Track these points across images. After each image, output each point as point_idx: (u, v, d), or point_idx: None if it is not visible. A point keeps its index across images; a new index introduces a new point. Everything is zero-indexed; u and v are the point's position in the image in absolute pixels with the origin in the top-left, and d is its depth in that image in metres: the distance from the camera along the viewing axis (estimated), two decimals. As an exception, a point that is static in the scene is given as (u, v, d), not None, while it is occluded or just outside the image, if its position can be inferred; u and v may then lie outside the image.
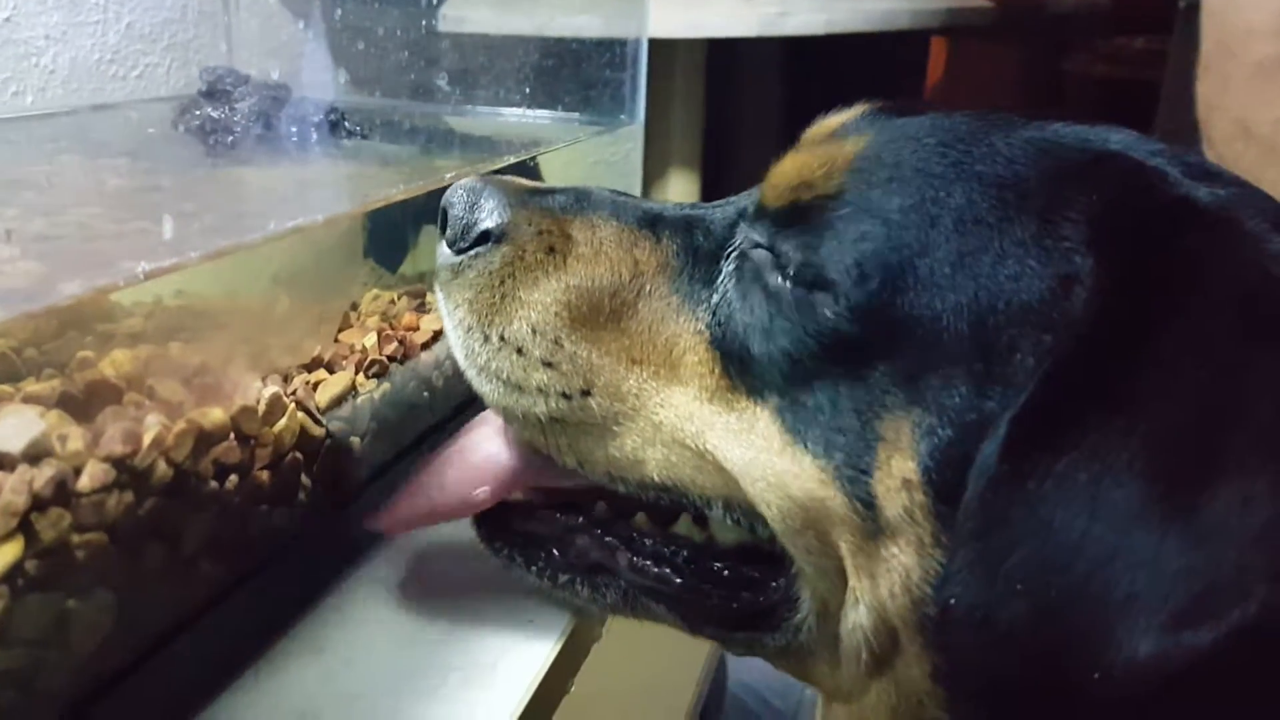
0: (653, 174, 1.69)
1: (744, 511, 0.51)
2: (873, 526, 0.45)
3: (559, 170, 0.95)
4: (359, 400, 0.62)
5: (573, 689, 0.60)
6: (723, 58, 1.75)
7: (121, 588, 0.47)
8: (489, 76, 1.11)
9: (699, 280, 0.53)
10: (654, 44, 1.60)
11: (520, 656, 0.57)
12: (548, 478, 0.57)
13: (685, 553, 0.55)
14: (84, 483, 0.45)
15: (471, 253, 0.55)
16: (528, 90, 1.04)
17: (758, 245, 0.51)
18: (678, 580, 0.55)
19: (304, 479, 0.59)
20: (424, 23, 1.17)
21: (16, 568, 0.42)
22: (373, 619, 0.59)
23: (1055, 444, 0.39)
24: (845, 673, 0.49)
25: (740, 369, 0.49)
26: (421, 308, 0.70)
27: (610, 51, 1.01)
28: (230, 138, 0.86)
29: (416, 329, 0.68)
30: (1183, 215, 0.43)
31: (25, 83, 1.08)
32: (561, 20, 1.26)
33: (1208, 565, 0.34)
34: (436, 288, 0.57)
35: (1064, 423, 0.39)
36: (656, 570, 0.55)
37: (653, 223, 0.56)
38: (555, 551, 0.57)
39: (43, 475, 0.43)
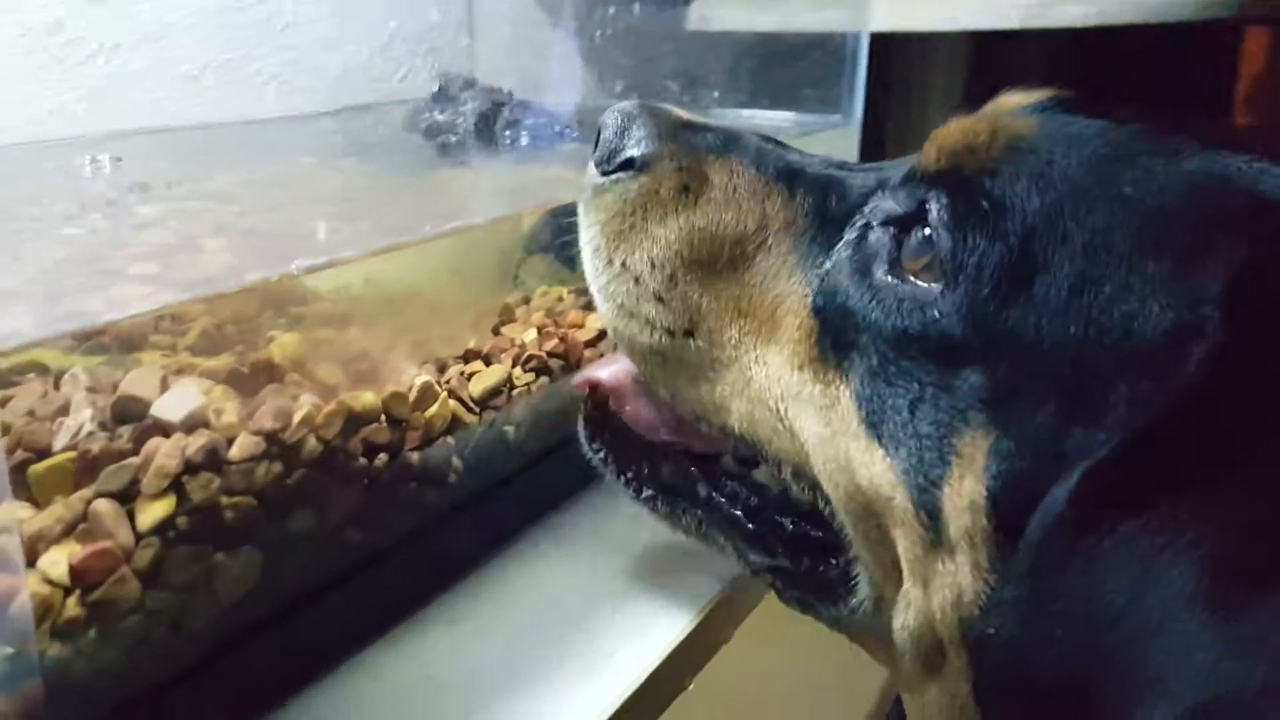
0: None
1: (810, 483, 0.51)
2: (933, 538, 0.43)
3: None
4: (515, 392, 0.66)
5: (691, 686, 0.61)
6: (993, 54, 1.68)
7: (268, 547, 0.53)
8: (712, 75, 1.13)
9: (819, 244, 0.52)
10: (907, 39, 1.58)
11: (637, 650, 0.59)
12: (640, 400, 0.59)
13: (755, 500, 0.56)
14: (234, 452, 0.51)
15: (613, 177, 0.56)
16: (747, 90, 1.06)
17: (886, 220, 0.49)
18: (748, 525, 0.55)
19: (455, 461, 0.63)
20: (658, 24, 1.21)
21: (168, 522, 0.48)
22: (509, 598, 0.63)
23: (1126, 504, 0.36)
24: (901, 667, 0.48)
25: (834, 343, 0.49)
26: (589, 306, 0.74)
27: (824, 50, 1.00)
28: (453, 138, 0.93)
29: (581, 326, 0.71)
30: None
31: (296, 83, 1.21)
32: (803, 16, 1.27)
33: (1234, 674, 0.32)
34: (580, 205, 0.58)
35: (1140, 486, 0.36)
36: (729, 510, 0.56)
37: (791, 177, 0.55)
38: (645, 468, 0.59)
39: (195, 443, 0.49)
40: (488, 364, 0.66)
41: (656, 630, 0.61)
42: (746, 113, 1.05)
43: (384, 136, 0.95)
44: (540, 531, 0.69)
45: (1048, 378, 0.41)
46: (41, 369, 0.52)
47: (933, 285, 0.45)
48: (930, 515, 0.43)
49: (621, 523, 0.68)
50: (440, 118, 0.92)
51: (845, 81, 0.97)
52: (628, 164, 0.56)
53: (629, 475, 0.59)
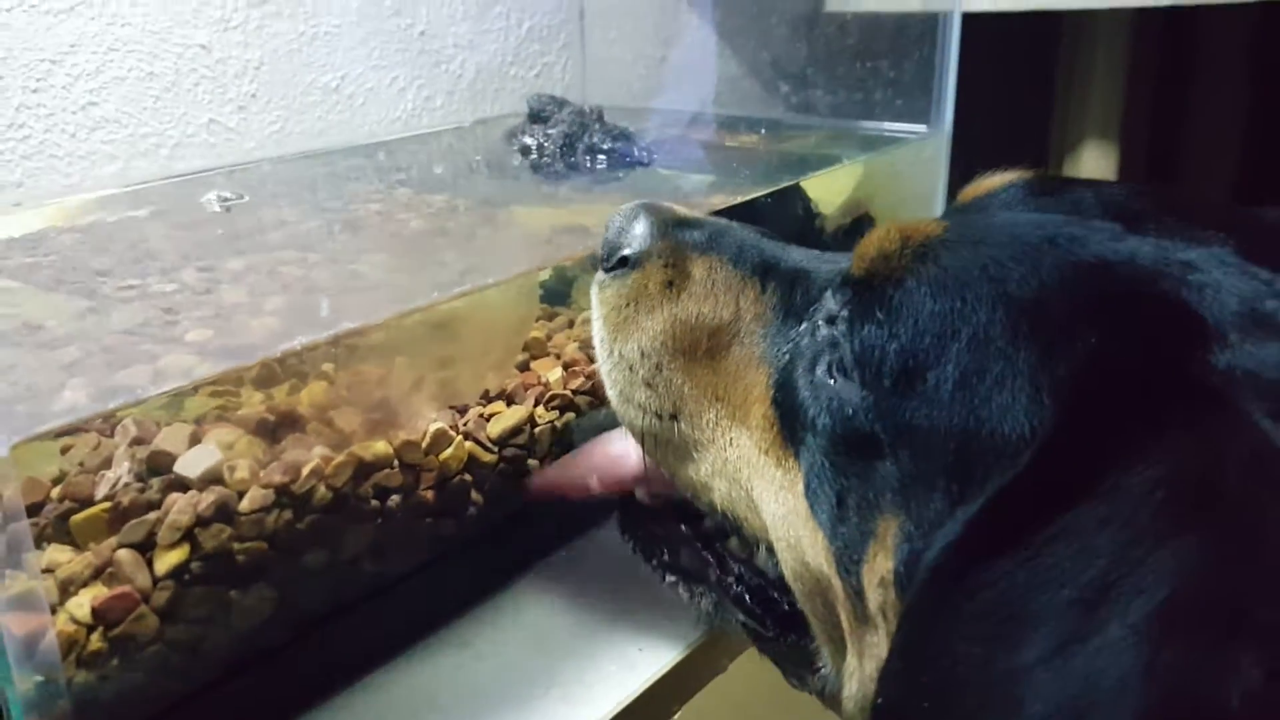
0: (1067, 144, 1.60)
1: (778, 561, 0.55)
2: (862, 613, 0.47)
3: (848, 183, 0.97)
4: (538, 429, 0.72)
5: (678, 716, 0.66)
6: (1177, 31, 1.59)
7: (281, 583, 0.61)
8: (808, 81, 1.13)
9: (781, 338, 0.56)
10: (1070, 17, 1.51)
11: (618, 681, 0.64)
12: (650, 484, 0.64)
13: (756, 581, 0.60)
14: (244, 505, 0.59)
15: (613, 274, 0.62)
16: (833, 98, 1.06)
17: (829, 319, 0.52)
18: (748, 603, 0.60)
19: (474, 495, 0.70)
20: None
21: (182, 567, 0.57)
22: (516, 624, 0.69)
23: (970, 580, 0.39)
24: None
25: (789, 432, 0.52)
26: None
27: (913, 58, 0.99)
28: (542, 159, 0.98)
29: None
30: (1168, 388, 0.40)
31: (437, 87, 1.29)
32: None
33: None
34: (592, 296, 0.64)
35: (982, 561, 0.39)
36: (735, 590, 0.61)
37: (766, 270, 0.59)
38: (666, 554, 0.65)
39: (206, 500, 0.57)
40: (510, 404, 0.71)
41: (639, 663, 0.65)
42: (830, 122, 1.04)
43: (481, 161, 1.02)
44: (561, 560, 0.74)
45: (939, 465, 0.44)
46: (105, 416, 0.61)
47: (849, 385, 0.48)
48: (857, 592, 0.47)
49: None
50: (529, 140, 0.97)
51: (935, 87, 0.96)
52: (623, 261, 0.61)
53: (655, 563, 0.65)
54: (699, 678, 0.68)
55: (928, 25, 1.06)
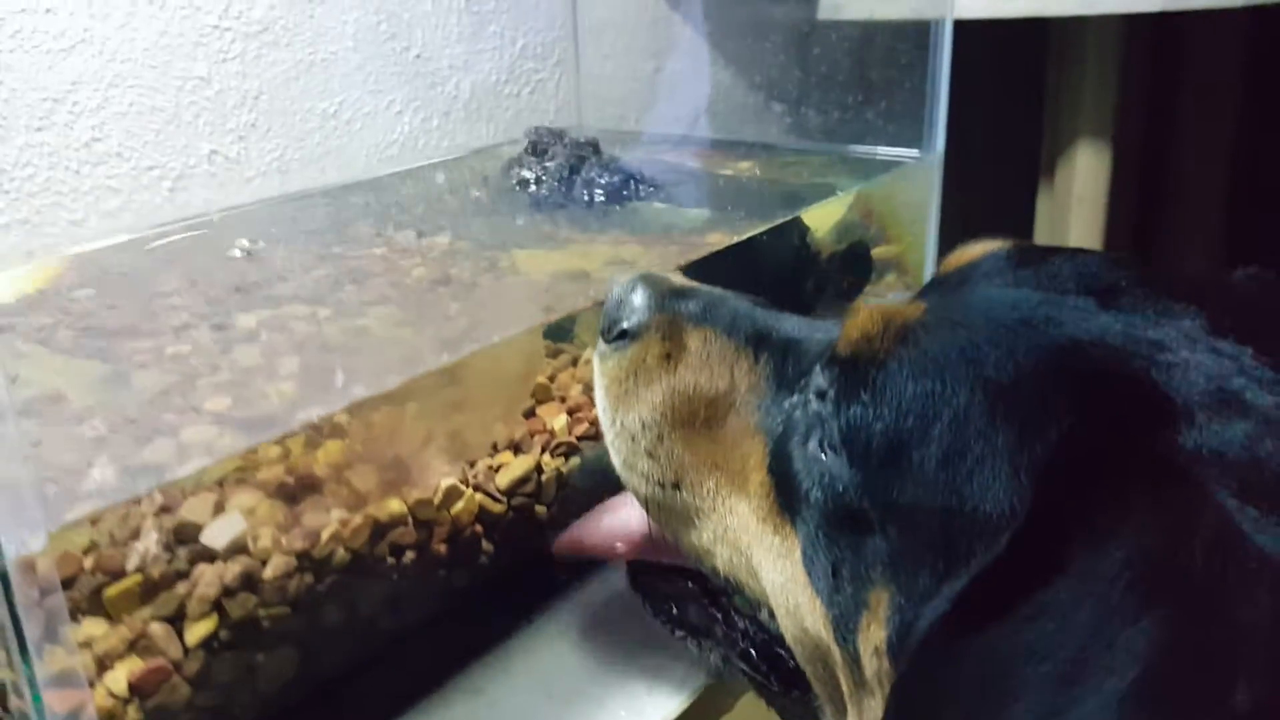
0: (1059, 149, 1.61)
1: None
2: (859, 678, 0.50)
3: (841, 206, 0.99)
4: (545, 477, 0.74)
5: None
6: (1150, 39, 1.61)
7: (303, 644, 0.64)
8: (801, 102, 1.15)
9: (776, 408, 0.58)
10: (1059, 24, 1.52)
11: (632, 722, 0.67)
12: (664, 553, 0.67)
13: (761, 637, 0.63)
14: (268, 573, 0.62)
15: (613, 345, 0.65)
16: (825, 120, 1.08)
17: (819, 391, 0.55)
18: (754, 659, 0.63)
19: (485, 545, 0.72)
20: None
21: (211, 636, 0.60)
22: (527, 670, 0.72)
23: (954, 654, 0.42)
24: None
25: (785, 502, 0.55)
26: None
27: (905, 79, 1.01)
28: (541, 192, 1.00)
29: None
30: (1136, 468, 0.42)
31: (433, 108, 1.30)
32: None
33: None
34: (594, 367, 0.67)
35: (965, 636, 0.42)
36: (741, 646, 0.64)
37: (759, 341, 0.61)
38: (674, 609, 0.67)
39: (232, 570, 0.60)
40: (517, 453, 0.74)
41: (655, 702, 0.68)
42: (826, 147, 1.07)
43: (479, 195, 1.03)
44: (572, 605, 0.77)
45: (925, 541, 0.47)
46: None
47: (840, 462, 0.51)
48: (854, 659, 0.50)
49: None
50: (528, 174, 0.99)
51: (926, 112, 0.98)
52: (622, 334, 0.64)
53: (664, 618, 0.68)
54: (708, 718, 0.71)
55: (919, 41, 1.07)
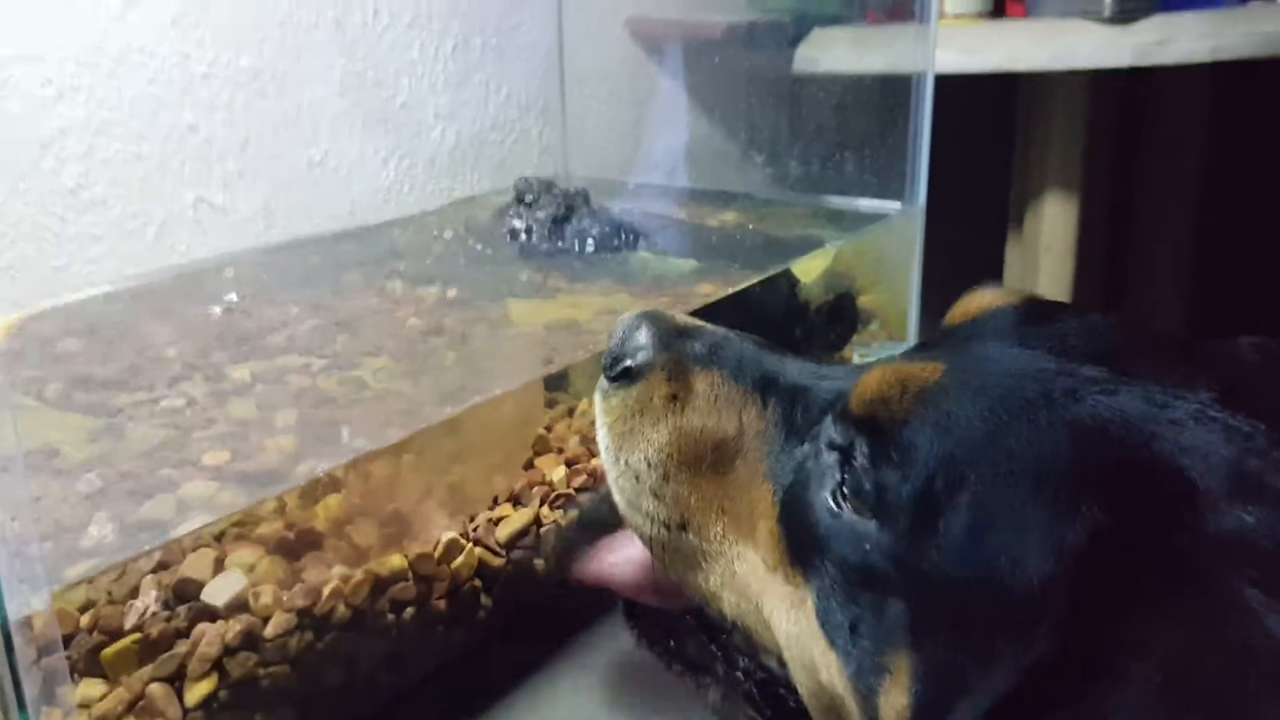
0: (1028, 198, 1.64)
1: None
2: None
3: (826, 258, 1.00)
4: (544, 529, 0.74)
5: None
6: (1116, 94, 1.65)
7: (302, 702, 0.63)
8: (784, 155, 1.17)
9: (785, 455, 0.57)
10: (1028, 78, 1.56)
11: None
12: (664, 595, 0.66)
13: (763, 677, 0.63)
14: (269, 631, 0.61)
15: (616, 384, 0.63)
16: (807, 169, 1.09)
17: (832, 443, 0.54)
18: (756, 700, 0.62)
19: (484, 600, 0.72)
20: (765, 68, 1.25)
21: (211, 696, 0.59)
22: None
23: None
24: None
25: (796, 554, 0.54)
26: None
27: (886, 130, 1.02)
28: (530, 241, 1.01)
29: (608, 465, 0.78)
30: (1163, 569, 0.42)
31: (418, 155, 1.31)
32: (910, 55, 1.28)
33: None
34: (595, 405, 0.64)
35: None
36: (744, 687, 0.63)
37: (766, 386, 0.60)
38: (673, 645, 0.66)
39: (233, 629, 0.59)
40: (516, 506, 0.74)
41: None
42: (811, 198, 1.08)
43: (470, 245, 1.04)
44: (573, 658, 0.77)
45: (949, 612, 0.46)
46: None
47: (865, 521, 0.50)
48: (873, 718, 0.49)
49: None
50: (518, 223, 1.00)
51: (908, 168, 0.99)
52: (627, 372, 0.63)
53: (659, 651, 0.67)
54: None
55: (899, 93, 1.09)
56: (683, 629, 0.66)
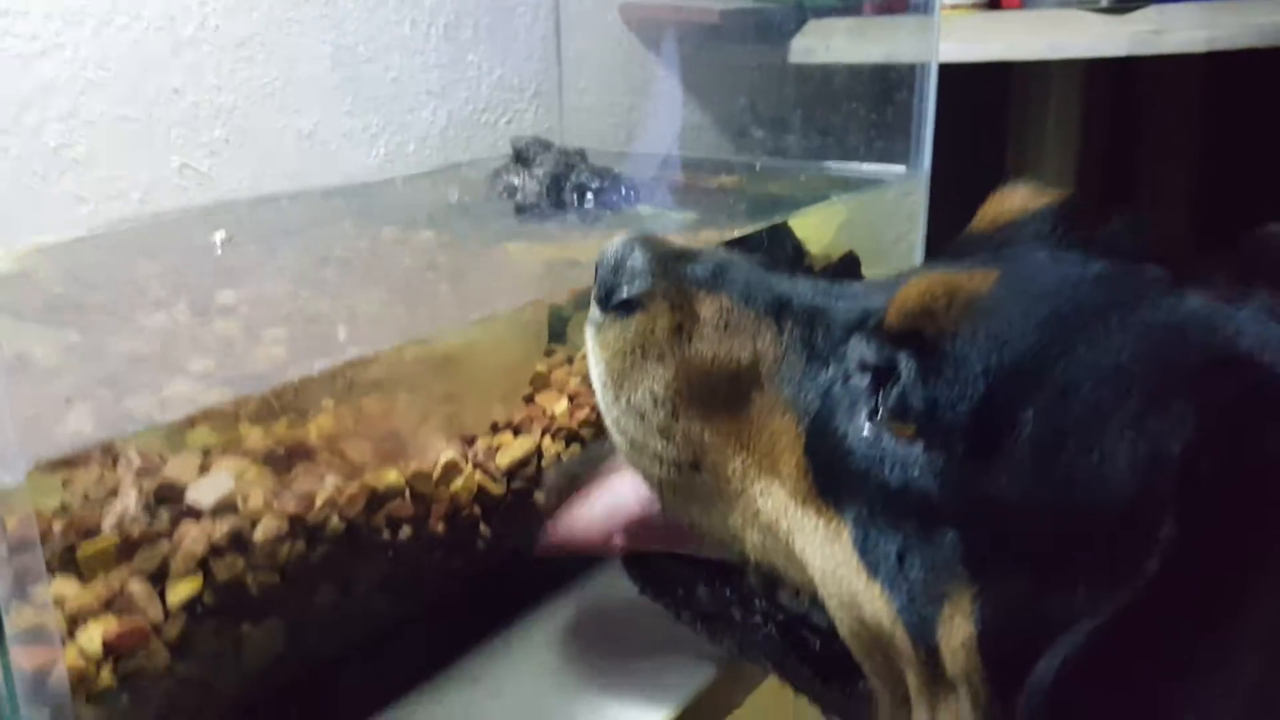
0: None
1: (827, 612, 0.52)
2: (935, 672, 0.45)
3: (831, 225, 0.98)
4: (544, 462, 0.71)
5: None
6: (1110, 82, 1.65)
7: (292, 617, 0.59)
8: (784, 124, 1.15)
9: (808, 382, 0.53)
10: (1022, 67, 1.56)
11: (640, 714, 0.63)
12: (674, 539, 0.62)
13: (782, 618, 0.58)
14: (259, 535, 0.57)
15: (612, 315, 0.58)
16: (817, 141, 1.07)
17: (864, 365, 0.50)
18: (781, 644, 0.58)
19: (483, 529, 0.68)
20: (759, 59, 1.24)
21: (195, 599, 0.55)
22: (530, 658, 0.67)
23: (1105, 699, 0.37)
24: None
25: (828, 482, 0.50)
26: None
27: (896, 93, 1.01)
28: (527, 200, 0.98)
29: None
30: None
31: (409, 133, 1.29)
32: (908, 46, 1.27)
33: None
34: (587, 337, 0.60)
35: (1117, 677, 0.37)
36: (763, 629, 0.59)
37: (779, 309, 0.56)
38: (681, 592, 0.62)
39: (220, 528, 0.55)
40: (516, 435, 0.70)
41: (662, 697, 0.64)
42: (821, 164, 1.06)
43: (465, 200, 1.01)
44: (574, 595, 0.73)
45: (1019, 537, 0.42)
46: (105, 445, 0.59)
47: (909, 444, 0.46)
48: (929, 651, 0.45)
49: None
50: (515, 180, 0.97)
51: (913, 130, 0.97)
52: (624, 302, 0.58)
53: (667, 601, 0.63)
54: (716, 713, 0.66)
55: (904, 72, 1.08)
56: (693, 576, 0.62)
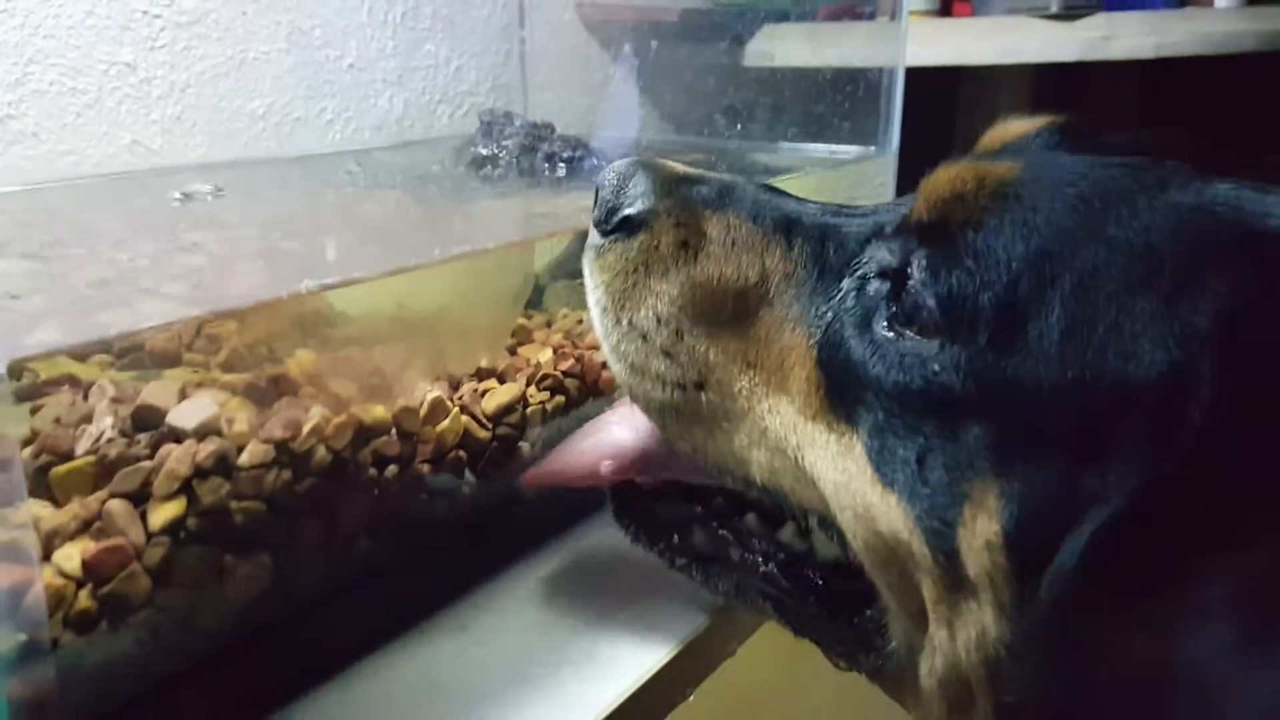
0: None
1: (837, 534, 0.51)
2: (954, 579, 0.44)
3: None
4: (529, 409, 0.69)
5: (691, 698, 0.62)
6: (1057, 85, 1.69)
7: (278, 551, 0.56)
8: (758, 110, 1.16)
9: (820, 295, 0.52)
10: (973, 71, 1.58)
11: (632, 659, 0.61)
12: (667, 468, 0.60)
13: (783, 556, 0.57)
14: (244, 459, 0.54)
15: (613, 236, 0.57)
16: (783, 124, 1.08)
17: (882, 271, 0.50)
18: (783, 583, 0.57)
19: (468, 475, 0.66)
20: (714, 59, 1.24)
21: (178, 522, 0.52)
22: (516, 607, 0.65)
23: (1139, 569, 0.36)
24: (929, 715, 0.48)
25: (841, 394, 0.49)
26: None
27: (865, 85, 1.02)
28: (496, 170, 0.96)
29: (598, 348, 0.73)
30: None
31: (364, 120, 1.26)
32: (858, 51, 1.28)
33: None
34: (584, 265, 0.59)
35: (1152, 548, 0.36)
36: (764, 569, 0.57)
37: (789, 227, 0.55)
38: (675, 536, 0.60)
39: (205, 449, 0.53)
40: (502, 382, 0.68)
41: (652, 641, 0.62)
42: (788, 145, 1.06)
43: (431, 169, 0.99)
44: (559, 542, 0.71)
45: (1050, 421, 0.41)
46: (74, 380, 0.56)
47: (928, 340, 0.45)
48: (948, 557, 0.44)
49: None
50: (484, 151, 0.96)
51: (882, 114, 0.98)
52: (626, 222, 0.57)
53: (661, 546, 0.61)
54: (710, 659, 0.65)
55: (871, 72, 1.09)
56: (688, 519, 0.60)
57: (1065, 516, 0.39)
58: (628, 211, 0.57)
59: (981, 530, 0.42)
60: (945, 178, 0.48)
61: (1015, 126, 0.56)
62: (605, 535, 0.70)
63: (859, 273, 0.51)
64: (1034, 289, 0.42)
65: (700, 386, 0.54)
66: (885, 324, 0.48)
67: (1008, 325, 0.42)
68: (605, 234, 0.58)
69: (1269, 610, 0.33)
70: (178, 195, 0.83)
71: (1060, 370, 0.41)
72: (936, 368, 0.44)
